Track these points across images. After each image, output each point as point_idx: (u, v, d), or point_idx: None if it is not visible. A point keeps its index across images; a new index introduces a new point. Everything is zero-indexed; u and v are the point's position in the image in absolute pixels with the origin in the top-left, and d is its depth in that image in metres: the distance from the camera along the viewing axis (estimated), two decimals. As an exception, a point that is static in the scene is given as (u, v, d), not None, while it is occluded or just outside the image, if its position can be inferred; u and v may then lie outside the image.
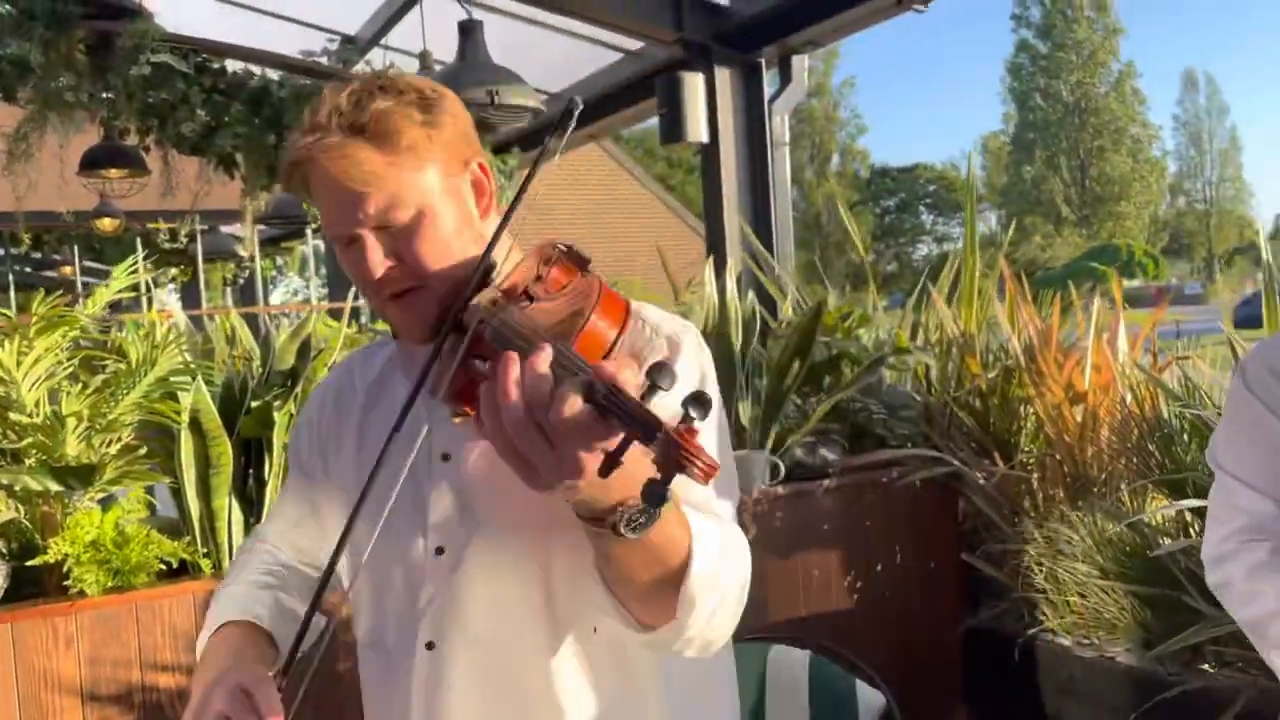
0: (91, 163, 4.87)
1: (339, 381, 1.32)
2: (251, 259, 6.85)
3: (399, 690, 1.19)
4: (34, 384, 2.12)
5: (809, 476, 2.98)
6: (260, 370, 2.52)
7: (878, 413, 3.16)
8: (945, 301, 3.26)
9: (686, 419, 0.81)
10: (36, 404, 2.16)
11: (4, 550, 2.17)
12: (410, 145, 1.08)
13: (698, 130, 4.09)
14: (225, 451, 2.24)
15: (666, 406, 0.81)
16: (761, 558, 2.86)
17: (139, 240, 7.04)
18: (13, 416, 2.10)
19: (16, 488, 2.12)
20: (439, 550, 1.16)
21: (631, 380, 0.84)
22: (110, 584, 2.16)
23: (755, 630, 2.67)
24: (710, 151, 4.17)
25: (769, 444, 2.96)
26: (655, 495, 0.82)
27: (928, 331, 3.39)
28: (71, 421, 2.13)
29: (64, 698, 2.11)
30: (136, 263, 2.43)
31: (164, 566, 2.28)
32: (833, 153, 49.45)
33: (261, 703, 1.02)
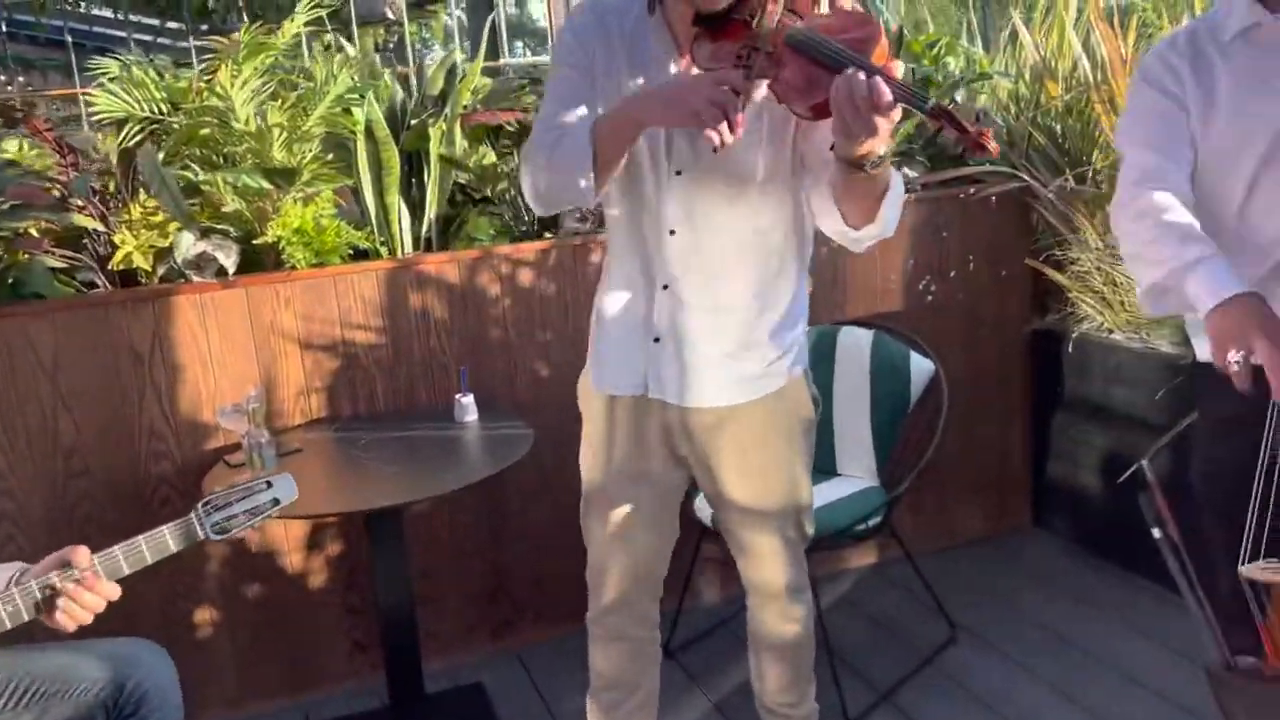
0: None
1: (597, 20, 1.75)
2: (400, 24, 7.29)
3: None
4: (245, 100, 2.69)
5: (891, 192, 3.34)
6: (416, 94, 3.02)
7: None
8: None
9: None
10: (248, 118, 2.74)
11: (234, 234, 2.81)
12: None
13: None
14: (393, 156, 2.78)
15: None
16: (841, 262, 3.28)
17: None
18: (233, 126, 2.68)
19: (238, 184, 2.73)
20: (678, 172, 1.74)
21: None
22: (313, 261, 2.78)
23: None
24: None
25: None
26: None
27: (1017, 59, 3.59)
28: (276, 131, 2.70)
29: (286, 343, 2.78)
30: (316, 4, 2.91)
31: (350, 251, 2.89)
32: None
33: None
